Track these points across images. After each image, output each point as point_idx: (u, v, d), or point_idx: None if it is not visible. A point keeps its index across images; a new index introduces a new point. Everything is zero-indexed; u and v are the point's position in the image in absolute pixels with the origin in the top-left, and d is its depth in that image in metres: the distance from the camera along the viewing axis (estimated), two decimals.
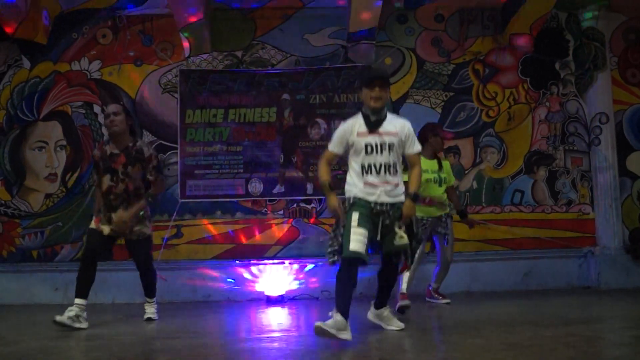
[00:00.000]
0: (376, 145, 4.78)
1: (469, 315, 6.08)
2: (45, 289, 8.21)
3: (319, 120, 8.60)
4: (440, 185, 6.85)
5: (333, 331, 4.31)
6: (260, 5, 8.84)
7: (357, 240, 4.58)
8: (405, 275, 6.49)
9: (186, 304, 7.84)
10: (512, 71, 8.94)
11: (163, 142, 8.64)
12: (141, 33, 8.83)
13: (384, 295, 5.12)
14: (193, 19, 8.25)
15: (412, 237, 4.87)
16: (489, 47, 8.95)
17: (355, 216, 4.67)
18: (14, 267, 8.37)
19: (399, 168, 4.90)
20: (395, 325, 5.05)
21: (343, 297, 4.53)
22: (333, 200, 4.75)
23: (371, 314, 5.24)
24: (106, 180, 5.89)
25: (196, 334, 5.34)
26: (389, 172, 4.78)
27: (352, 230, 4.62)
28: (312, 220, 8.61)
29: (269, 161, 8.56)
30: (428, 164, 6.72)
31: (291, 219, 8.62)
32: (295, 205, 8.65)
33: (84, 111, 8.68)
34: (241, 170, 8.55)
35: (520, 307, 6.45)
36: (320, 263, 8.13)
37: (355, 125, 4.87)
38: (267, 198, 8.59)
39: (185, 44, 8.63)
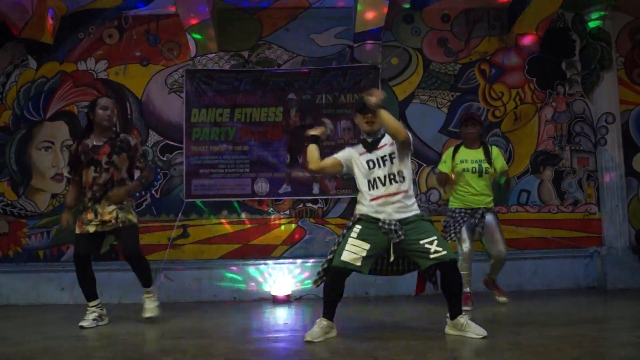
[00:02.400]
0: (377, 160, 4.90)
1: (476, 315, 6.07)
2: (52, 288, 8.22)
3: (326, 120, 8.59)
4: (480, 175, 6.60)
5: (322, 338, 4.64)
6: (267, 5, 8.85)
7: (351, 251, 4.64)
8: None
9: (192, 303, 7.85)
10: (518, 71, 8.93)
11: (169, 141, 8.65)
12: (147, 33, 8.85)
13: (452, 304, 4.79)
14: (199, 19, 8.24)
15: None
16: (495, 47, 8.96)
17: (356, 229, 4.75)
18: (20, 267, 8.39)
19: (407, 176, 4.89)
20: (474, 332, 4.59)
21: (330, 307, 4.79)
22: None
23: (448, 327, 4.81)
24: (90, 173, 5.79)
25: (202, 333, 5.34)
26: (395, 181, 4.82)
27: (350, 241, 4.69)
28: (318, 220, 8.60)
29: (275, 161, 8.57)
30: (468, 154, 6.66)
31: (297, 219, 8.63)
32: (301, 205, 8.65)
33: None
34: (247, 170, 8.56)
35: (527, 307, 6.44)
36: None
37: (356, 149, 5.08)
38: (273, 198, 8.60)
39: (192, 44, 8.65)
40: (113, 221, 5.75)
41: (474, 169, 6.60)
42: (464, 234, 6.52)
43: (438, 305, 6.77)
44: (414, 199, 4.90)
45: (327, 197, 8.57)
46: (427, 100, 8.82)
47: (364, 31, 8.43)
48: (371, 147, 4.96)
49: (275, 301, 7.94)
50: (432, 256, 4.61)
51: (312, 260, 8.27)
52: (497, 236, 6.59)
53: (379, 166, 4.86)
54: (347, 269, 4.66)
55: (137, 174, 6.11)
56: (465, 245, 6.51)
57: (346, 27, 8.83)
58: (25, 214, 8.56)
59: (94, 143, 5.85)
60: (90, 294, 5.87)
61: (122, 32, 8.84)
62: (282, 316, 6.65)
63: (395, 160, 4.85)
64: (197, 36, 8.54)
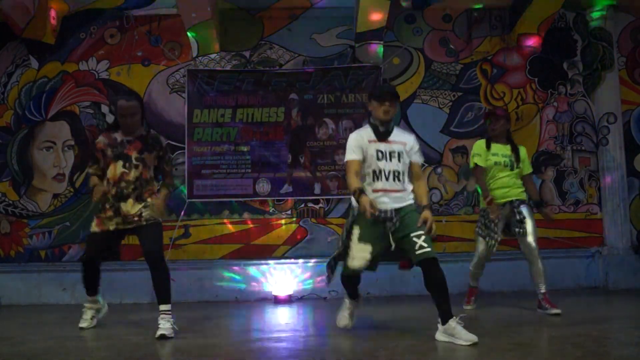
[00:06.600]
0: (386, 152, 4.83)
1: (477, 315, 6.07)
2: (53, 288, 8.22)
3: (327, 120, 8.60)
4: (512, 169, 6.39)
5: (352, 322, 5.20)
6: (268, 5, 8.85)
7: (358, 257, 4.77)
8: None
9: (194, 304, 7.84)
10: (520, 71, 8.93)
11: (170, 142, 8.60)
12: (149, 33, 8.86)
13: (440, 307, 4.57)
14: (201, 19, 8.24)
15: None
16: (497, 47, 8.95)
17: (356, 231, 4.80)
18: (21, 267, 8.40)
19: (407, 178, 4.92)
20: (464, 339, 4.32)
21: (351, 289, 5.20)
22: (364, 200, 4.54)
23: (438, 333, 4.54)
24: (118, 167, 5.39)
25: (204, 334, 5.34)
26: (398, 179, 4.82)
27: (353, 247, 4.81)
28: (320, 220, 8.60)
29: (276, 161, 8.57)
30: (498, 148, 6.46)
31: (299, 219, 8.63)
32: (303, 205, 8.65)
33: (92, 111, 8.70)
34: (249, 170, 8.56)
35: (528, 307, 6.43)
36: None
37: (365, 134, 4.91)
38: (275, 198, 8.60)
39: (193, 44, 8.65)
40: (136, 218, 5.36)
41: (505, 162, 6.40)
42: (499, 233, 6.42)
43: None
44: (409, 190, 4.92)
45: (329, 197, 8.57)
46: (429, 100, 8.82)
47: (366, 31, 8.45)
48: (382, 136, 4.88)
49: (277, 301, 7.94)
50: (417, 252, 4.58)
51: (313, 260, 8.26)
52: (528, 227, 6.30)
53: (387, 160, 4.82)
54: (359, 271, 4.91)
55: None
56: (483, 245, 6.45)
57: (348, 27, 8.84)
58: (26, 214, 8.57)
59: (124, 138, 5.51)
60: (92, 289, 5.63)
61: (123, 32, 8.85)
62: (283, 316, 6.65)
63: (402, 161, 4.85)
64: (199, 36, 8.54)
